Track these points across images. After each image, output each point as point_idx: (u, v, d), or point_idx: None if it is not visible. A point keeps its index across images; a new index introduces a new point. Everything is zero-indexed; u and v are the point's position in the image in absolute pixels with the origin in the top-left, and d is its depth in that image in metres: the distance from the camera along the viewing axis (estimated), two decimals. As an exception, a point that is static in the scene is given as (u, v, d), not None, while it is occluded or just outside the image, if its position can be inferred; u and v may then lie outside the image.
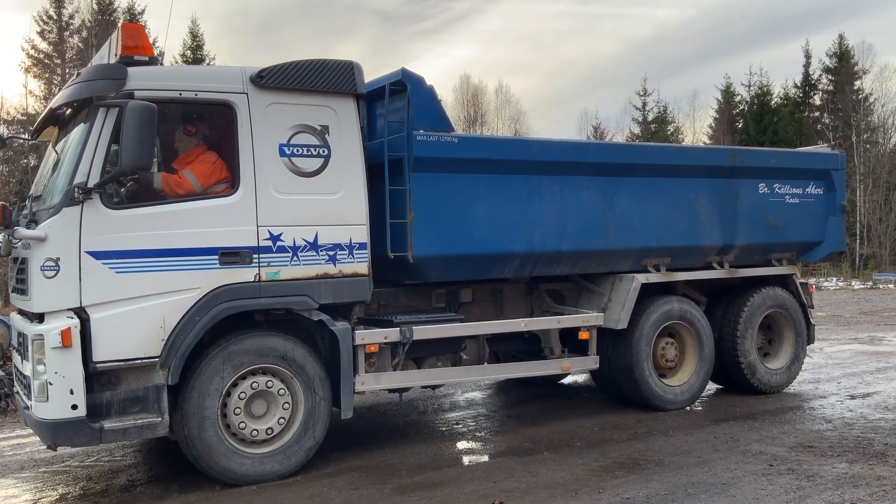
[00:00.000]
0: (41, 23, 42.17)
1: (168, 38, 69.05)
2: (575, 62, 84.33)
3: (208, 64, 45.38)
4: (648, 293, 8.53)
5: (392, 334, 6.87)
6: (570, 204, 7.85)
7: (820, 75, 54.21)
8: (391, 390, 7.44)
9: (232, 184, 6.29)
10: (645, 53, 79.93)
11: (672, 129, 56.93)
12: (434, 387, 8.11)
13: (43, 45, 41.91)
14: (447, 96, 66.97)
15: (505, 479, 6.27)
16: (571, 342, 8.31)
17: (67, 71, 39.52)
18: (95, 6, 42.86)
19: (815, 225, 9.63)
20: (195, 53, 46.49)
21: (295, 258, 6.41)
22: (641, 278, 8.34)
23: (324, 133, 6.59)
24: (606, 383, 8.81)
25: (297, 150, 6.47)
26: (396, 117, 7.14)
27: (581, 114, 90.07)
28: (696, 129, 58.48)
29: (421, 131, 6.97)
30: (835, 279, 37.03)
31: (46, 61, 41.93)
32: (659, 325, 8.44)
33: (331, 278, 6.57)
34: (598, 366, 8.15)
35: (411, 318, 7.20)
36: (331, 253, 6.57)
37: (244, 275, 6.23)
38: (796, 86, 54.88)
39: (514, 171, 7.52)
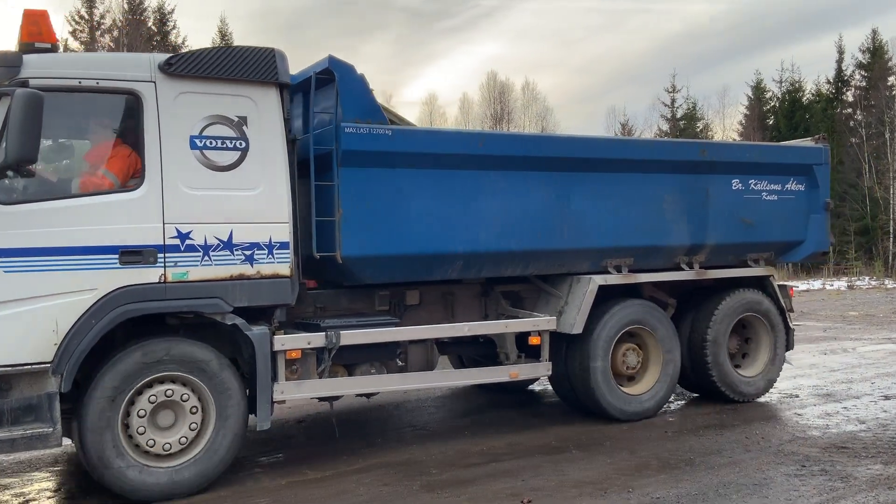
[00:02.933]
0: (73, 23, 42.79)
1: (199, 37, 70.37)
2: (602, 58, 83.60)
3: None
4: (609, 295, 8.04)
5: (316, 339, 6.45)
6: (519, 201, 7.37)
7: (853, 71, 53.20)
8: (321, 399, 7.01)
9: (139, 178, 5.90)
10: (674, 49, 78.99)
11: (701, 126, 56.02)
12: (368, 395, 7.67)
13: (75, 45, 42.15)
14: (473, 94, 66.70)
15: (533, 477, 6.24)
16: (530, 347, 7.88)
17: None
18: (126, 6, 43.29)
19: (796, 223, 9.06)
20: None
21: (206, 258, 6.00)
22: (599, 280, 7.84)
23: (241, 125, 6.17)
24: (565, 391, 8.32)
25: (211, 143, 6.06)
26: (325, 109, 6.70)
27: (609, 111, 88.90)
28: (725, 126, 57.67)
29: (351, 123, 6.53)
30: (867, 278, 36.05)
31: None
32: (618, 329, 7.94)
33: (247, 280, 6.15)
34: (550, 372, 7.68)
35: (340, 322, 6.78)
36: (247, 252, 6.15)
37: (147, 275, 5.82)
38: (828, 82, 53.91)
39: (457, 167, 7.05)
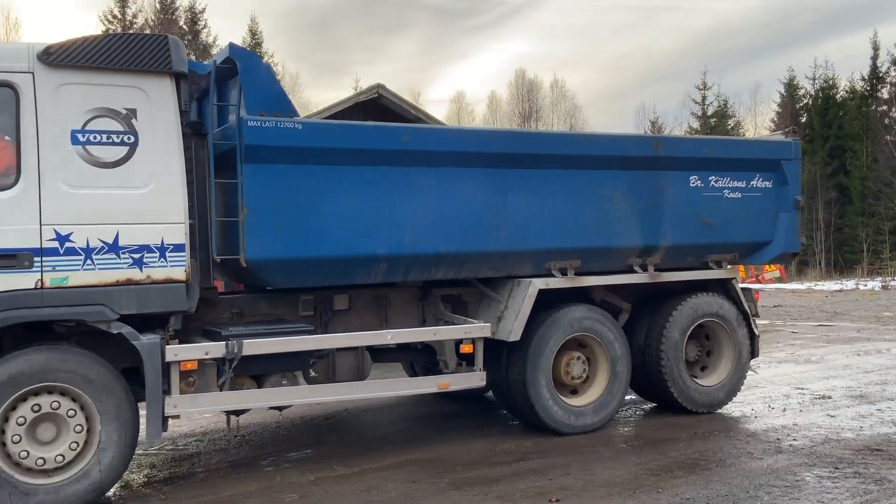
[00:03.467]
0: (106, 22, 43.38)
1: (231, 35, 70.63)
2: (632, 56, 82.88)
3: (266, 61, 45.35)
4: (555, 300, 7.54)
5: (215, 349, 6.00)
6: (450, 200, 6.88)
7: (888, 68, 52.21)
8: (227, 412, 6.55)
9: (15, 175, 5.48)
10: (704, 46, 78.27)
11: (732, 124, 55.17)
12: (280, 408, 7.21)
13: None
14: (502, 92, 66.52)
15: (561, 476, 6.21)
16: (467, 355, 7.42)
17: None
18: (157, 5, 43.94)
19: (763, 223, 8.49)
20: (254, 51, 46.57)
21: (88, 262, 5.57)
22: (539, 283, 7.33)
23: (130, 118, 5.74)
24: (507, 400, 7.82)
25: (95, 138, 5.63)
26: (229, 101, 6.24)
27: (638, 108, 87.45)
28: (757, 124, 56.91)
29: (255, 116, 6.07)
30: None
31: None
32: (562, 336, 7.43)
33: (136, 285, 5.72)
34: (484, 383, 7.18)
35: (247, 329, 6.32)
36: (136, 256, 5.72)
37: (22, 281, 5.41)
38: (863, 79, 53.03)
39: (379, 163, 6.57)
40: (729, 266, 8.41)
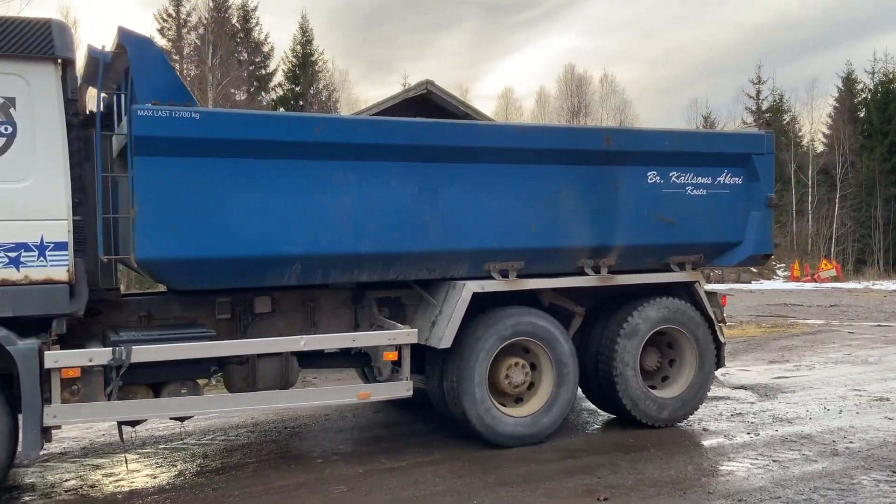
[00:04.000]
0: (161, 20, 43.70)
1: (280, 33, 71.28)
2: (684, 49, 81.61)
3: (314, 59, 45.79)
4: (499, 303, 7.03)
5: (100, 356, 5.59)
6: (372, 196, 6.39)
7: None
8: (120, 423, 6.13)
9: None
10: (759, 39, 76.74)
11: (788, 119, 53.72)
12: (181, 419, 6.78)
13: (162, 42, 42.99)
14: (550, 87, 66.21)
15: (610, 474, 6.18)
16: (416, 361, 6.98)
17: (185, 67, 40.81)
18: (211, 3, 43.88)
19: (731, 222, 7.87)
20: (305, 48, 47.54)
21: (-44, 261, 5.20)
22: (473, 286, 6.82)
23: (8, 107, 5.36)
24: (444, 410, 7.32)
25: (-34, 128, 5.25)
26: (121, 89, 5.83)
27: (690, 103, 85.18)
28: (813, 119, 55.24)
29: (147, 105, 5.64)
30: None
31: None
32: (498, 342, 6.91)
33: (12, 286, 5.34)
34: (410, 393, 6.68)
35: (139, 335, 5.90)
36: (12, 254, 5.34)
37: None
38: None
39: (290, 156, 6.10)
40: (693, 268, 7.81)
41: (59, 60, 5.48)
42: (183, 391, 6.00)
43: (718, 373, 8.18)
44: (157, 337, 5.89)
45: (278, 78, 47.74)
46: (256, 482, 6.16)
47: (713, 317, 7.85)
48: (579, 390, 7.64)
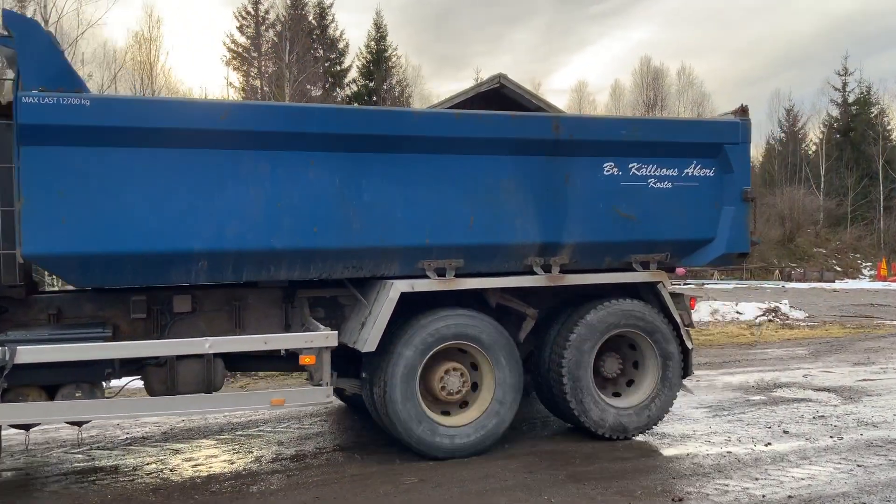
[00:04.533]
0: (240, 18, 44.87)
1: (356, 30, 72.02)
2: (765, 40, 79.65)
3: (387, 55, 46.14)
4: (441, 303, 6.56)
5: (-20, 356, 5.28)
6: (288, 188, 5.97)
7: None
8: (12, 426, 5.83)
9: None
10: (845, 29, 74.33)
11: (876, 112, 51.92)
12: (78, 423, 6.43)
13: (241, 40, 44.56)
14: (625, 80, 65.58)
15: (690, 475, 6.05)
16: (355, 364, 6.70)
17: (263, 64, 41.55)
18: (288, 1, 44.85)
19: (701, 217, 7.24)
20: (378, 44, 48.06)
21: None
22: (402, 286, 6.35)
23: None
24: (378, 417, 6.86)
25: None
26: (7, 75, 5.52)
27: (772, 95, 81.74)
28: None
29: (33, 92, 5.32)
30: None
31: (245, 55, 44.57)
32: (429, 346, 6.43)
33: None
34: (330, 400, 6.24)
35: (28, 335, 5.58)
36: None
37: None
38: None
39: (191, 145, 5.72)
40: (658, 268, 7.20)
41: None
42: (78, 394, 5.66)
43: (689, 381, 7.52)
44: (48, 337, 5.57)
45: (353, 74, 48.58)
46: (330, 470, 6.31)
47: (679, 320, 7.23)
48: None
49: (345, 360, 6.70)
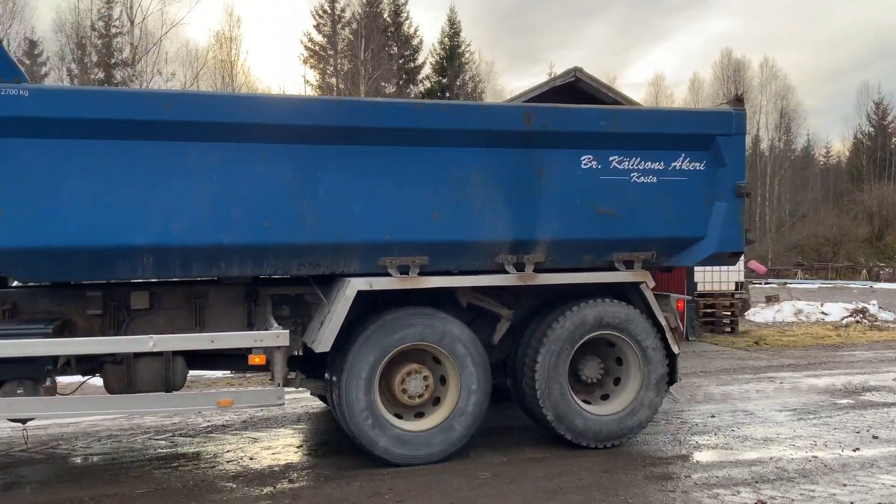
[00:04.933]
0: (317, 17, 46.13)
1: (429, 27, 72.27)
2: (852, 31, 77.14)
3: (461, 51, 46.48)
4: (406, 302, 6.29)
5: (-86, 350, 5.20)
6: (236, 181, 5.76)
7: None
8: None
9: None
10: None
11: None
12: (21, 420, 6.31)
13: (318, 38, 45.77)
14: (705, 73, 64.28)
15: (774, 479, 5.88)
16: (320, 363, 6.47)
17: (339, 61, 42.37)
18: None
19: (690, 214, 6.80)
20: (452, 40, 48.56)
21: None
22: (360, 284, 6.08)
23: None
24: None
25: None
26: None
27: (860, 88, 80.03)
28: None
29: (-35, 82, 5.22)
30: None
31: (321, 53, 45.76)
32: (388, 347, 6.15)
33: None
34: (282, 402, 6.01)
35: None
36: None
37: None
38: None
39: (135, 136, 5.54)
40: (640, 267, 6.78)
41: None
42: (19, 391, 5.55)
43: (675, 389, 7.08)
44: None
45: (426, 70, 48.88)
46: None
47: (664, 323, 6.80)
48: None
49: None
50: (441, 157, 6.17)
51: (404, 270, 6.23)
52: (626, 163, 6.60)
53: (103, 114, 5.47)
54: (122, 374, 6.14)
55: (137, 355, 6.09)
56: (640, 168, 6.64)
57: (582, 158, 6.50)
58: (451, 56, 47.80)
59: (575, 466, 6.15)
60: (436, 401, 6.45)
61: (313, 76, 45.53)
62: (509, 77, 76.73)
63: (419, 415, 6.42)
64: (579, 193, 6.49)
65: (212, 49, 39.58)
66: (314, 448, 7.01)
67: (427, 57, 48.72)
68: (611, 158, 6.56)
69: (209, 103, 5.80)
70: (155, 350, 5.79)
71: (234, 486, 5.81)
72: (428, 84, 47.82)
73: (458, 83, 47.68)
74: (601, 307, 6.63)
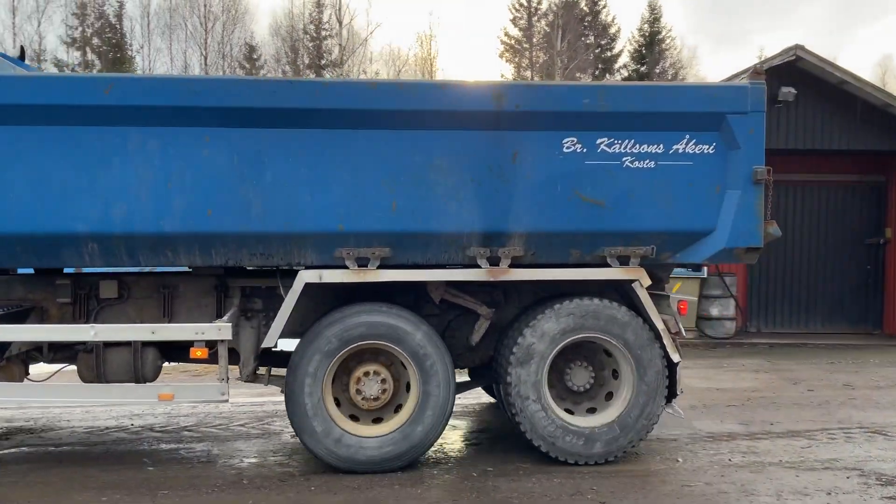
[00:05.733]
0: (513, 10, 46.98)
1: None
2: None
3: (661, 37, 46.15)
4: (376, 297, 5.91)
5: None
6: (178, 167, 5.55)
7: None
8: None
9: None
10: None
11: None
12: None
13: (514, 32, 46.61)
14: None
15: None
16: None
17: (534, 54, 43.46)
18: None
19: (696, 204, 5.98)
20: (652, 26, 48.07)
21: None
22: (308, 276, 5.73)
23: None
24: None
25: None
26: None
27: None
28: None
29: None
30: None
31: (517, 46, 46.68)
32: (337, 346, 5.75)
33: None
34: (225, 398, 5.73)
35: None
36: None
37: None
38: None
39: (73, 121, 5.44)
40: (636, 263, 6.02)
41: None
42: (-27, 377, 5.59)
43: (677, 403, 6.24)
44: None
45: (624, 59, 48.12)
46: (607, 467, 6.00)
47: (662, 327, 6.00)
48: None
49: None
50: (400, 141, 5.70)
51: (364, 263, 5.82)
52: (617, 146, 5.87)
53: (37, 99, 5.39)
54: (92, 364, 6.11)
55: (107, 345, 6.04)
56: (634, 152, 5.89)
57: (564, 141, 5.83)
58: (651, 43, 46.27)
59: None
60: (398, 408, 5.99)
61: (509, 70, 45.69)
62: (713, 62, 72.88)
63: (377, 420, 5.98)
64: (560, 180, 5.83)
65: (412, 47, 40.47)
66: (490, 439, 6.95)
67: (625, 45, 47.52)
68: (598, 141, 5.85)
69: (148, 86, 5.61)
70: (97, 339, 5.69)
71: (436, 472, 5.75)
72: (625, 73, 46.63)
73: (657, 70, 46.13)
74: (582, 306, 5.94)
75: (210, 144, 5.56)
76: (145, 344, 6.09)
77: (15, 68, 6.81)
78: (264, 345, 5.74)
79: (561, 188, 5.84)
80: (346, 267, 5.81)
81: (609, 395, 6.20)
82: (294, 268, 5.95)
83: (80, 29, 37.22)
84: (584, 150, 5.84)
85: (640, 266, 6.01)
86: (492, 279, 5.89)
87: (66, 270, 6.32)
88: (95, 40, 37.56)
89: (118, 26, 38.09)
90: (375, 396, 5.86)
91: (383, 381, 5.87)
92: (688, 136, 5.92)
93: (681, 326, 6.15)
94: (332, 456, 5.74)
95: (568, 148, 5.83)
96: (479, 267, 5.91)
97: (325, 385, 5.74)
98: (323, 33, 39.70)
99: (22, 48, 7.33)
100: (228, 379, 5.71)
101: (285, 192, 5.64)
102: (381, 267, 5.82)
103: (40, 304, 6.27)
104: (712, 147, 5.94)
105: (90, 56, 36.94)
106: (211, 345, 5.75)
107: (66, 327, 5.84)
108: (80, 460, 6.28)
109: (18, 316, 5.90)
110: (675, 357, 6.01)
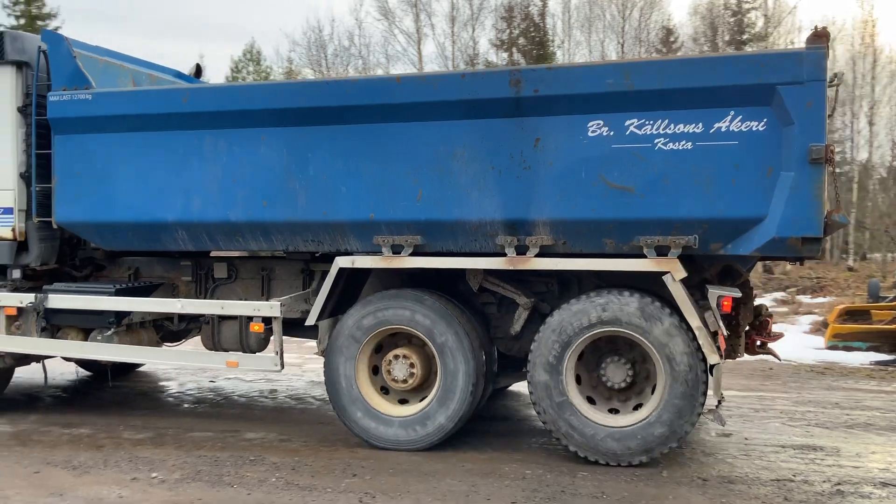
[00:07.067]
0: None
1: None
2: None
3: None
4: (419, 284, 6.28)
5: (27, 299, 6.88)
6: (240, 164, 6.36)
7: None
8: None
9: None
10: None
11: None
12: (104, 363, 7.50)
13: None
14: None
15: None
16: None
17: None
18: None
19: (743, 188, 5.34)
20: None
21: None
22: (343, 262, 6.17)
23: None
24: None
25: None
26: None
27: None
28: None
29: (57, 91, 6.73)
30: None
31: None
32: (368, 330, 6.11)
33: None
34: (279, 368, 6.38)
35: (65, 286, 7.01)
36: None
37: None
38: None
39: (165, 127, 6.50)
40: (672, 254, 5.51)
41: (14, 64, 6.90)
42: (98, 338, 6.93)
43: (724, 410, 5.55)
44: (75, 289, 6.95)
45: None
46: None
47: (696, 324, 5.41)
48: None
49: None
50: (423, 132, 5.90)
51: (398, 250, 6.12)
52: (649, 127, 5.45)
53: (138, 109, 6.56)
54: (209, 333, 7.22)
55: (222, 318, 7.08)
56: (669, 133, 5.41)
57: (589, 125, 5.56)
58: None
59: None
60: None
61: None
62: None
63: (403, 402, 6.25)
64: (585, 166, 5.58)
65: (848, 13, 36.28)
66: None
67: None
68: (627, 123, 5.48)
69: (215, 94, 6.53)
70: (183, 312, 6.75)
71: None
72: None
73: None
74: (603, 300, 5.59)
75: (266, 143, 6.27)
76: (249, 319, 6.99)
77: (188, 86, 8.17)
78: (307, 323, 6.29)
79: (585, 174, 5.58)
80: (380, 252, 6.15)
81: (640, 393, 5.76)
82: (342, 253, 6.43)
83: (507, 31, 39.75)
84: (612, 133, 5.51)
85: (678, 257, 5.49)
86: (510, 268, 5.82)
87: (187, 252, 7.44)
88: (521, 40, 39.72)
89: (541, 24, 39.96)
90: (404, 378, 6.12)
91: (412, 365, 6.10)
92: (732, 113, 5.29)
93: (721, 325, 5.47)
94: (355, 424, 6.16)
95: (594, 131, 5.55)
96: (500, 256, 5.87)
97: (356, 360, 6.13)
98: (745, 6, 37.98)
99: (198, 66, 8.67)
100: (283, 352, 6.37)
101: (324, 185, 6.14)
102: (415, 254, 6.07)
103: (173, 281, 7.50)
104: (762, 124, 5.24)
105: (516, 56, 39.14)
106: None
107: (158, 301, 6.97)
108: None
109: (143, 290, 7.14)
110: (712, 358, 5.39)
